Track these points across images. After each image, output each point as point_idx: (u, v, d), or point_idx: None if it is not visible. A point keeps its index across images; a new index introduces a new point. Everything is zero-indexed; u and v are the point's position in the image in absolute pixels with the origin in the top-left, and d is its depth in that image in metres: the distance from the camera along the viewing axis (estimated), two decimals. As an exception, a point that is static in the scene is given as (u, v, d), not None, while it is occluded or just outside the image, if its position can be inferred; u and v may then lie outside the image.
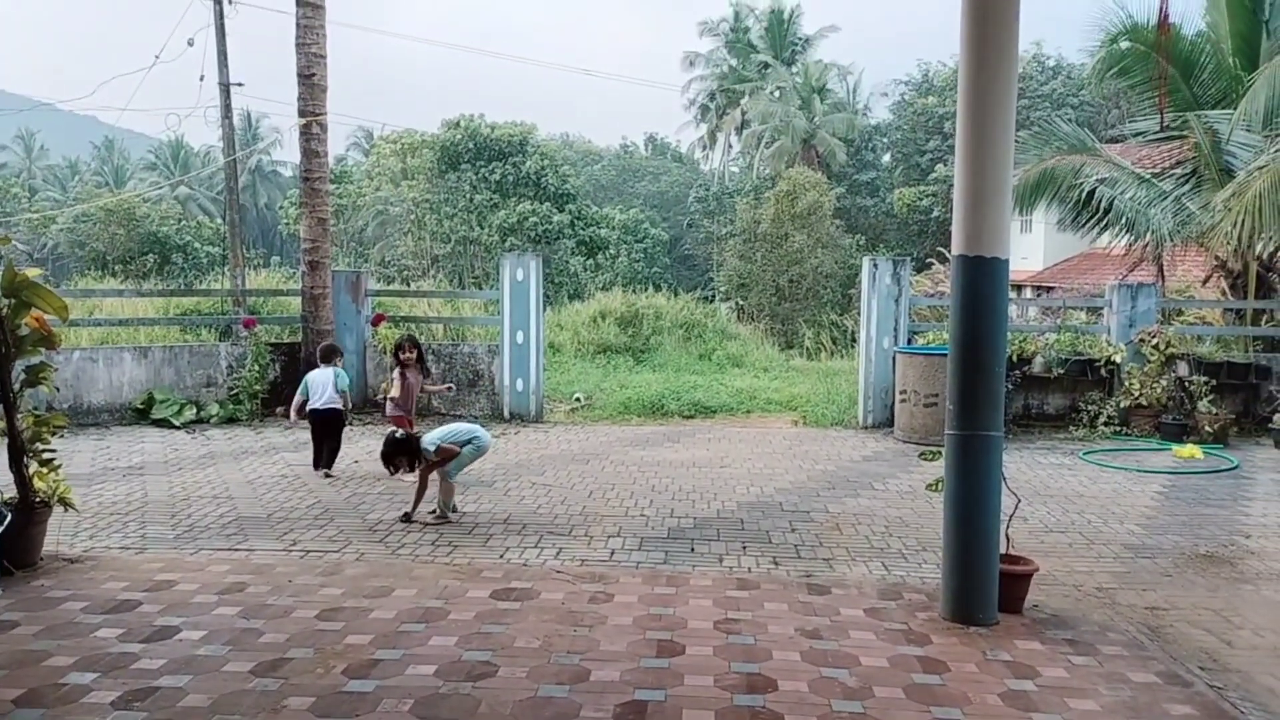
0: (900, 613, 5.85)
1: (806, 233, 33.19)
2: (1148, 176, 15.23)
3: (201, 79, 23.01)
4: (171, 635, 5.34)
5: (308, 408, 9.84)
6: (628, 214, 49.37)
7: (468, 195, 40.08)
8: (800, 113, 47.82)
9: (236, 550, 7.12)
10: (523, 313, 13.35)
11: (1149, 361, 12.72)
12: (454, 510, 8.20)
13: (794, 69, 51.62)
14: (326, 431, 9.88)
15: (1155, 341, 12.72)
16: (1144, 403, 12.61)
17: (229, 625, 5.50)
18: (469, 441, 8.16)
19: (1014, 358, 12.69)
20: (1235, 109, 14.19)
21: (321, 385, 9.87)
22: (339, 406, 9.91)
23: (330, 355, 10.28)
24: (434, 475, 8.10)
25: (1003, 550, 5.85)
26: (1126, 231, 15.11)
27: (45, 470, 6.95)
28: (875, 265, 13.34)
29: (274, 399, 13.37)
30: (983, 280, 5.59)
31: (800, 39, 52.94)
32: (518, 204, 39.61)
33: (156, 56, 20.49)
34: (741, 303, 33.02)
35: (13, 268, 6.64)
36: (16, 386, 6.79)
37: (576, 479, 9.74)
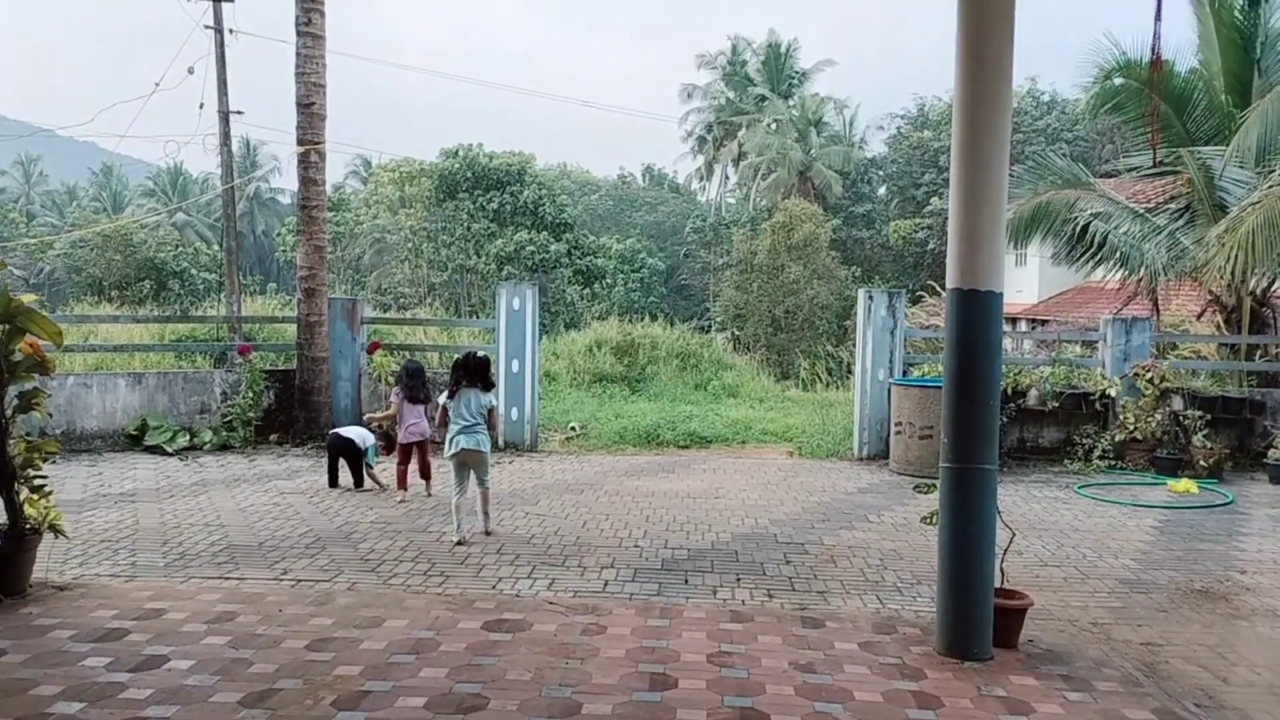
0: (895, 647, 5.80)
1: (803, 264, 33.39)
2: (1142, 211, 15.32)
3: (201, 107, 23.14)
4: (160, 665, 5.29)
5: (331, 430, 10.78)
6: (625, 244, 49.69)
7: (465, 224, 40.27)
8: (797, 145, 48.19)
9: (227, 579, 7.05)
10: (519, 341, 13.35)
11: (1144, 395, 12.74)
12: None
13: (791, 102, 52.08)
14: (340, 455, 10.53)
15: (1150, 375, 12.73)
16: (1139, 436, 12.61)
17: (218, 655, 5.44)
18: None
19: (1009, 390, 12.69)
20: (1228, 145, 14.31)
21: (359, 430, 10.71)
22: (356, 443, 10.48)
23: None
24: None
25: (997, 584, 5.83)
26: (1121, 266, 15.18)
27: (36, 496, 6.91)
28: (871, 297, 13.38)
29: (268, 426, 13.37)
30: (977, 313, 5.60)
31: (797, 73, 53.46)
32: (515, 233, 39.84)
33: (156, 84, 20.56)
34: (737, 333, 33.17)
35: (7, 293, 6.63)
36: (9, 412, 6.76)
37: (570, 509, 9.69)
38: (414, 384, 10.12)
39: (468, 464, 8.47)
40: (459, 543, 8.20)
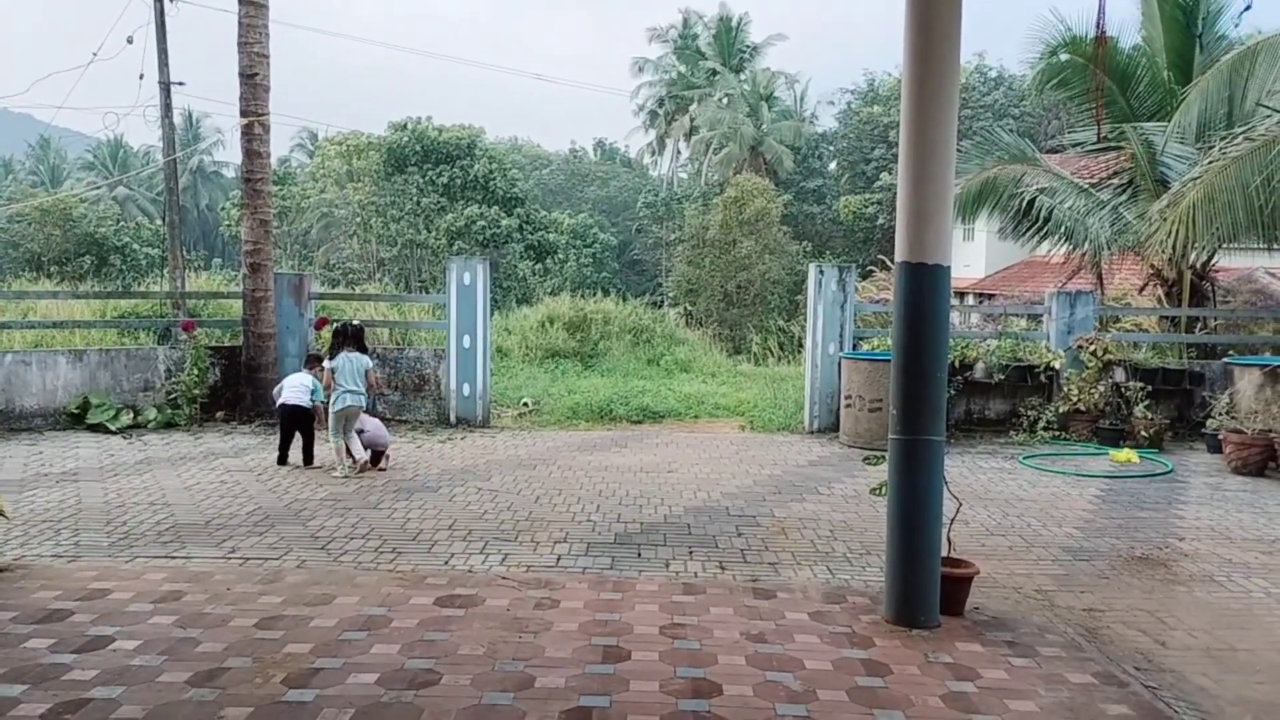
0: (844, 616, 5.88)
1: (754, 239, 33.41)
2: (1086, 187, 15.55)
3: (141, 77, 22.53)
4: (105, 645, 5.22)
5: (278, 402, 10.47)
6: (577, 219, 49.38)
7: (415, 198, 39.78)
8: (748, 120, 48.18)
9: (173, 558, 6.96)
10: (470, 317, 13.27)
11: (1087, 368, 12.97)
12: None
13: (742, 76, 52.00)
14: (295, 425, 10.40)
15: (1093, 348, 12.97)
16: (1082, 408, 12.85)
17: (165, 635, 5.38)
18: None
19: (956, 364, 12.87)
20: (1170, 121, 14.55)
21: (297, 385, 10.49)
22: (306, 404, 10.39)
23: (310, 363, 10.97)
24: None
25: (944, 553, 5.92)
26: (1066, 240, 15.41)
27: (-26, 477, 6.74)
28: (821, 272, 13.46)
29: (213, 404, 13.19)
30: (925, 287, 5.66)
31: (748, 47, 53.35)
32: (465, 207, 39.42)
33: (95, 54, 20.02)
34: (690, 308, 33.15)
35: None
36: (-57, 390, 6.58)
37: (523, 484, 9.69)
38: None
39: (351, 417, 9.94)
40: (354, 473, 9.81)
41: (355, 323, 10.44)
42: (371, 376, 10.15)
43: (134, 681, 4.74)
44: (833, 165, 51.42)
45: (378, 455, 10.28)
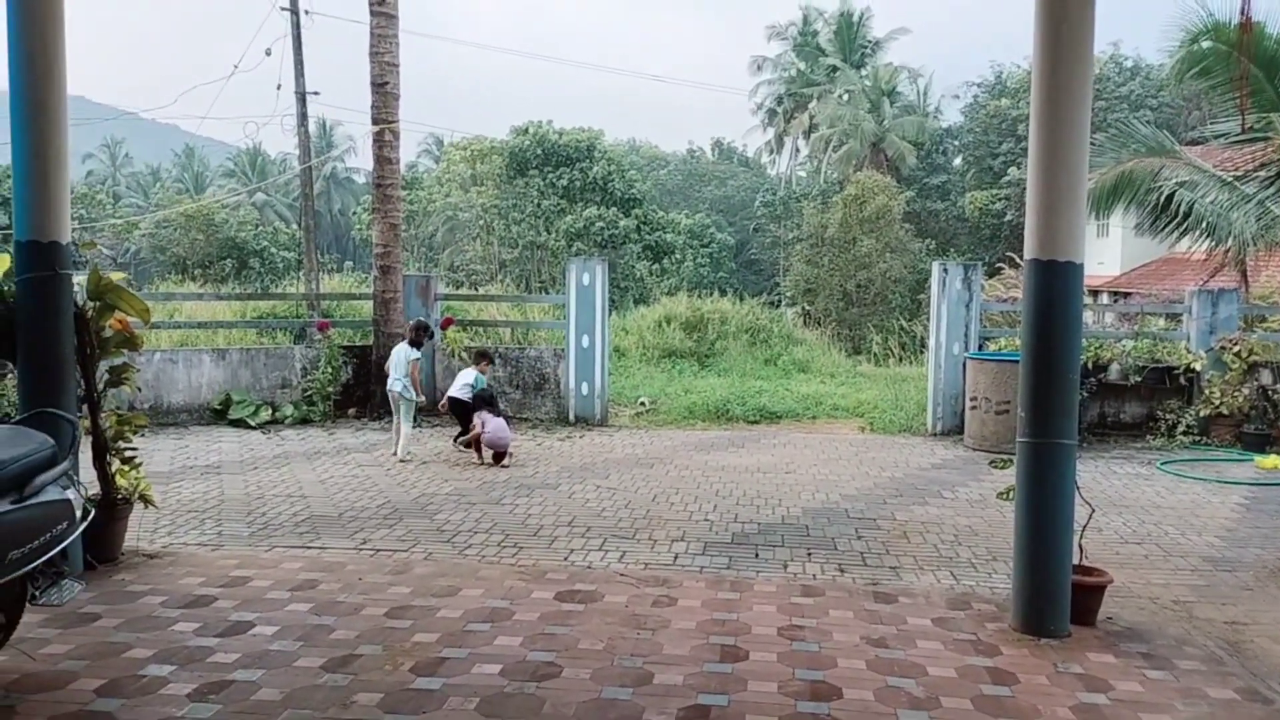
0: (969, 623, 5.75)
1: (875, 237, 32.86)
2: (1230, 180, 14.78)
3: (279, 88, 23.59)
4: (246, 630, 5.45)
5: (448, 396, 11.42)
6: (694, 218, 49.24)
7: (535, 201, 40.41)
8: (869, 116, 47.33)
9: (309, 548, 7.20)
10: (588, 317, 13.42)
11: (1230, 369, 12.36)
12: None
13: (863, 72, 51.12)
14: (457, 416, 11.31)
15: (1237, 349, 12.34)
16: (1225, 412, 12.25)
17: (301, 621, 5.59)
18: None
19: (1089, 365, 12.41)
20: (1323, 109, 13.70)
21: (459, 381, 11.45)
22: (465, 398, 11.13)
23: (478, 360, 11.89)
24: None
25: (1076, 561, 5.73)
26: (1207, 236, 14.65)
27: (127, 468, 7.13)
28: (945, 270, 13.15)
29: (346, 400, 13.63)
30: (1057, 285, 5.48)
31: (869, 42, 52.41)
32: (584, 209, 39.83)
33: (235, 66, 21.03)
34: (808, 308, 32.86)
35: (98, 272, 6.85)
36: (100, 386, 6.99)
37: (641, 483, 9.72)
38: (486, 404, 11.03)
39: (394, 401, 10.93)
40: (402, 460, 10.57)
41: (418, 320, 11.71)
42: (412, 367, 11.00)
43: (273, 665, 4.95)
44: (958, 161, 49.97)
45: (499, 455, 10.51)
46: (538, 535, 7.60)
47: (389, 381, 11.04)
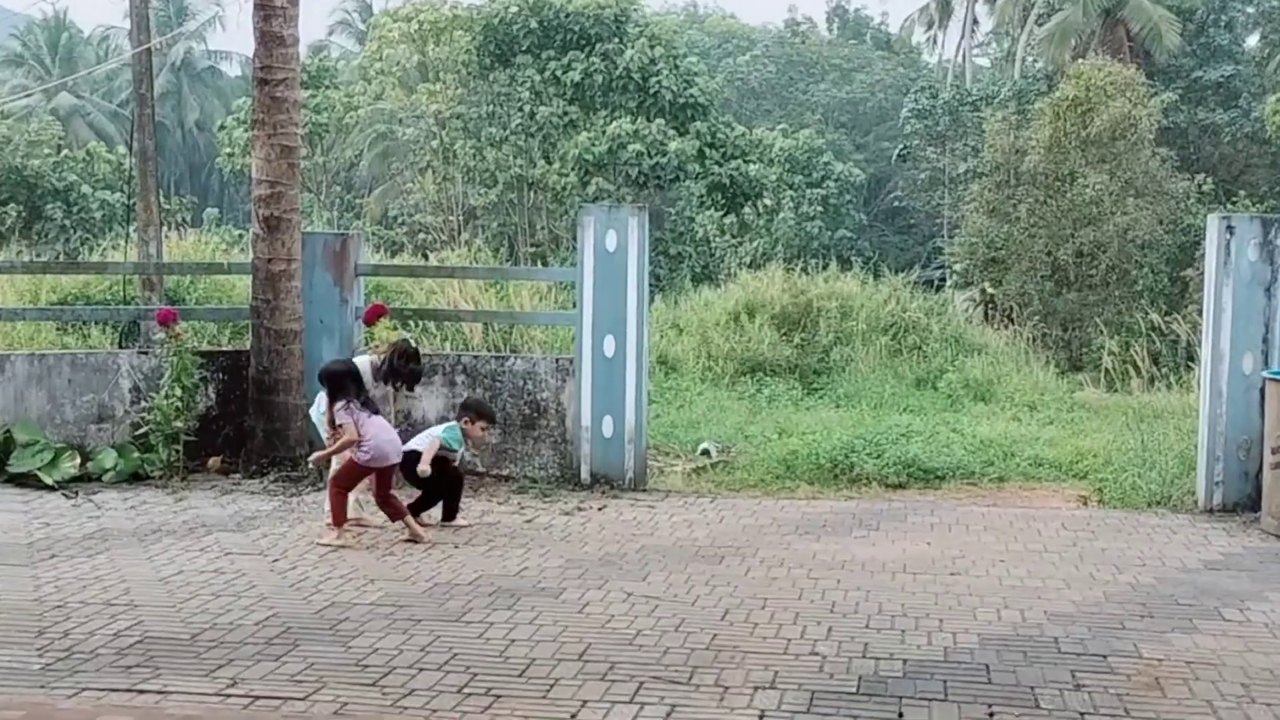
0: None
1: (1108, 171, 23.41)
2: None
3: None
4: None
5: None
6: (797, 139, 36.10)
7: (526, 108, 28.46)
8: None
9: (140, 692, 5.35)
10: (615, 305, 9.92)
11: None
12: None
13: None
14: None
15: None
16: None
17: None
18: None
19: None
20: None
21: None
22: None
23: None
24: None
25: None
26: None
27: None
28: (1230, 229, 9.78)
29: (206, 443, 10.10)
30: None
31: None
32: (610, 121, 27.85)
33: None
34: (991, 291, 24.81)
35: None
36: None
37: (702, 588, 7.05)
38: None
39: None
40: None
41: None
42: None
43: None
44: (1252, 40, 35.22)
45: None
46: (526, 677, 5.51)
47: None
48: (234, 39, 50.73)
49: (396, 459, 7.77)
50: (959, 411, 13.34)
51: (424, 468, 8.07)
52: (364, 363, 8.42)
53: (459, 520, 8.24)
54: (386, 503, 7.68)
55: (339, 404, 7.56)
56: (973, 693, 5.27)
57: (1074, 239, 23.10)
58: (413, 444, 8.31)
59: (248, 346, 10.25)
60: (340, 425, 7.58)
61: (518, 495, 9.64)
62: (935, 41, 42.92)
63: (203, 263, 14.72)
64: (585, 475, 9.88)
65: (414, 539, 7.66)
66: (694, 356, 15.02)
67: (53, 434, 9.85)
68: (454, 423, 8.54)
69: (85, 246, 25.48)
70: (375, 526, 8.03)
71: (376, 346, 8.79)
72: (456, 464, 8.38)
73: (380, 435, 7.61)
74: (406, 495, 8.50)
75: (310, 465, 8.63)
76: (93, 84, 47.51)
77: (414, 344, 8.64)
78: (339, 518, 7.61)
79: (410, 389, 8.40)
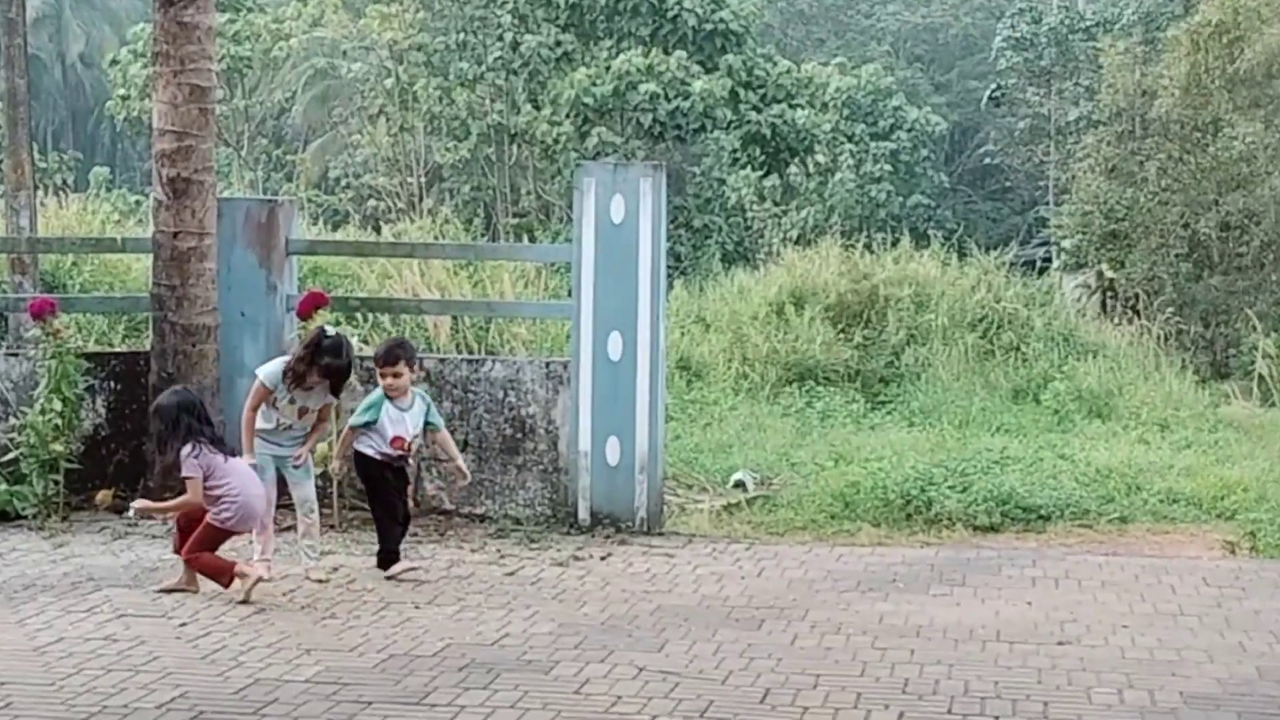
0: None
1: (1263, 119, 19.72)
2: None
3: None
4: None
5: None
6: (857, 76, 30.57)
7: (507, 36, 24.08)
8: None
9: None
10: (622, 293, 8.63)
11: None
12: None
13: None
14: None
15: None
16: None
17: None
18: None
19: None
20: None
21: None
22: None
23: None
24: None
25: None
26: None
27: None
28: None
29: (94, 471, 8.73)
30: None
31: None
32: (615, 54, 23.84)
33: None
34: (1111, 274, 20.95)
35: None
36: None
37: (735, 662, 5.91)
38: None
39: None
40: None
41: (328, 336, 7.09)
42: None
43: None
44: None
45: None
46: (510, 776, 4.75)
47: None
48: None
49: (265, 518, 6.51)
50: (1069, 432, 11.56)
51: (335, 465, 7.15)
52: (277, 367, 7.05)
53: (402, 564, 6.79)
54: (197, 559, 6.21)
55: (186, 449, 6.14)
56: (1094, 800, 4.12)
57: (1219, 207, 19.36)
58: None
59: (147, 347, 8.78)
60: (187, 478, 6.12)
61: (496, 540, 8.32)
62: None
63: (89, 238, 12.79)
64: (584, 515, 8.62)
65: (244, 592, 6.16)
66: (725, 360, 13.12)
67: (-107, 461, 8.36)
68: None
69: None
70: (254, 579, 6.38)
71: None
72: (400, 463, 6.96)
73: (247, 489, 6.25)
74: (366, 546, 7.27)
75: (132, 515, 7.30)
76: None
77: (337, 334, 7.16)
78: (222, 573, 6.20)
79: (335, 393, 6.87)
